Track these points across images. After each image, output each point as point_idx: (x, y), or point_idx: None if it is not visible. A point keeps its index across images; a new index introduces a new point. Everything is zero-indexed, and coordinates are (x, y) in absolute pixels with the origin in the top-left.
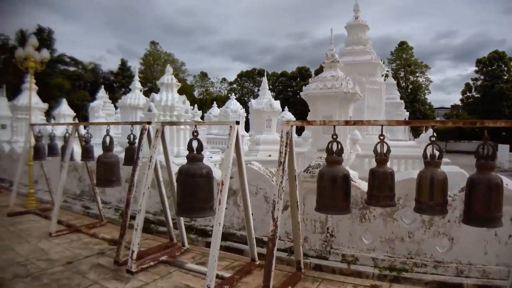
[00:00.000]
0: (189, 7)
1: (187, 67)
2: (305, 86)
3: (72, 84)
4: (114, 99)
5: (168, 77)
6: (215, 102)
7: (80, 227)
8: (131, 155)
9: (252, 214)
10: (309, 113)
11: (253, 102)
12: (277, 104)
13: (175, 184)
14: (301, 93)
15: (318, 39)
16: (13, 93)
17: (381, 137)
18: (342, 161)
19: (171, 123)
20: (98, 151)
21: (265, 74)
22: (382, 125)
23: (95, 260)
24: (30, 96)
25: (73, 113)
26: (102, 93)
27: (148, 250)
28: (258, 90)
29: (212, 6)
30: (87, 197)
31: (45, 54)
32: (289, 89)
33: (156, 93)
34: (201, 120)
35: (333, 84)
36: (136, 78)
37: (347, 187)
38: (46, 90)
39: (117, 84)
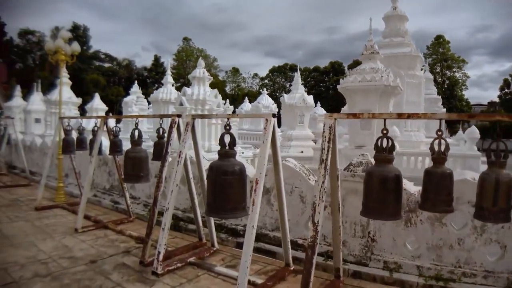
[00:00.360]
0: (221, 4)
1: (219, 63)
2: (342, 79)
3: (107, 80)
4: (147, 94)
5: (200, 71)
6: (246, 98)
7: (107, 223)
8: (160, 150)
9: None
10: (343, 108)
11: (285, 97)
12: (310, 99)
13: (206, 181)
14: (338, 87)
15: (350, 34)
16: (48, 88)
17: (439, 133)
18: (393, 159)
19: (202, 116)
20: (128, 146)
21: (298, 68)
22: (440, 119)
23: (120, 259)
24: (60, 90)
25: (105, 108)
26: (135, 88)
27: (175, 250)
28: (290, 85)
29: (244, 2)
30: (116, 192)
31: (75, 47)
32: (321, 84)
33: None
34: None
35: (373, 77)
36: (168, 72)
37: (399, 189)
38: (81, 85)
39: (151, 79)
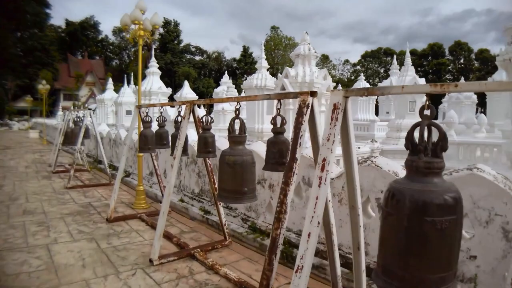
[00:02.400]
0: None
1: None
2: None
3: (198, 72)
4: (237, 85)
5: (305, 48)
6: (339, 85)
7: (194, 250)
8: (279, 153)
9: (475, 257)
10: None
11: (393, 81)
12: (423, 82)
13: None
14: (498, 59)
15: (445, 15)
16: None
17: None
18: None
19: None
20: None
21: (407, 47)
22: None
23: None
24: (139, 73)
25: (195, 97)
26: (225, 79)
27: None
28: (385, 70)
29: None
30: (207, 198)
31: (155, 19)
32: (419, 68)
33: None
34: None
35: None
36: (263, 56)
37: None
38: (173, 78)
39: (240, 70)
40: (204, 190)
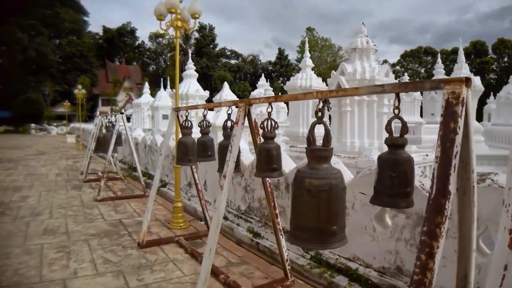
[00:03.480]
0: None
1: (343, 53)
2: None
3: (233, 76)
4: (274, 88)
5: (362, 40)
6: None
7: None
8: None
9: None
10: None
11: None
12: (477, 80)
13: None
14: None
15: (483, 12)
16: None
17: None
18: None
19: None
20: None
21: (460, 44)
22: None
23: None
24: (176, 71)
25: (236, 99)
26: (263, 81)
27: None
28: (425, 70)
29: None
30: (255, 217)
31: (195, 7)
32: None
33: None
34: None
35: None
36: (307, 54)
37: None
38: (209, 82)
39: (275, 73)
40: (252, 208)
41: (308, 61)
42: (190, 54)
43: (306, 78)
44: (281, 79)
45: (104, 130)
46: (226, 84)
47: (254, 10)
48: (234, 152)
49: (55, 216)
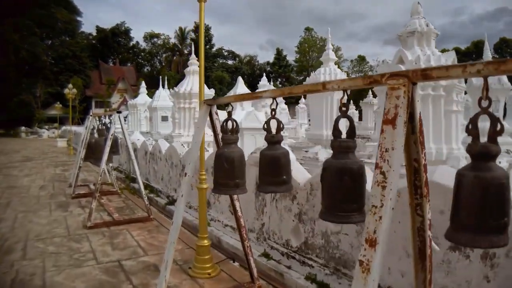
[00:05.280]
0: None
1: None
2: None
3: (230, 77)
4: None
5: (421, 22)
6: None
7: None
8: None
9: None
10: None
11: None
12: (504, 78)
13: None
14: None
15: (477, 14)
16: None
17: None
18: None
19: None
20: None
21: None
22: None
23: None
24: (200, 40)
25: None
26: (264, 81)
27: None
28: None
29: None
30: (320, 260)
31: None
32: None
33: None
34: None
35: None
36: (329, 46)
37: None
38: (207, 83)
39: (274, 74)
40: (312, 245)
41: (331, 54)
42: (193, 48)
43: (329, 72)
44: (279, 80)
45: (96, 134)
46: (240, 79)
47: (248, 12)
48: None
49: (30, 254)
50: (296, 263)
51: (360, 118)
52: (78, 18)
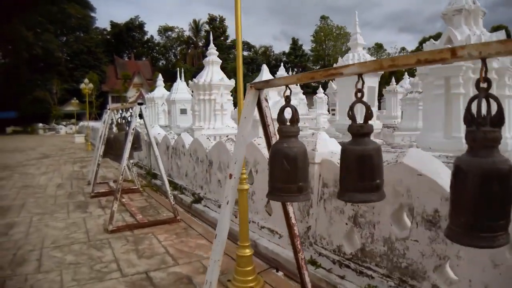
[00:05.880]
0: None
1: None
2: None
3: (246, 68)
4: None
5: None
6: (406, 74)
7: None
8: None
9: None
10: None
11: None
12: None
13: None
14: None
15: (492, 0)
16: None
17: None
18: None
19: None
20: None
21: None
22: None
23: None
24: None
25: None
26: (282, 71)
27: None
28: None
29: None
30: (381, 270)
31: None
32: None
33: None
34: None
35: None
36: (357, 30)
37: None
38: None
39: (289, 64)
40: (370, 252)
41: (359, 39)
42: (211, 39)
43: (358, 58)
44: (295, 70)
45: (114, 129)
46: (265, 67)
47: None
48: None
49: (46, 266)
50: (351, 272)
51: (379, 107)
52: (92, 14)
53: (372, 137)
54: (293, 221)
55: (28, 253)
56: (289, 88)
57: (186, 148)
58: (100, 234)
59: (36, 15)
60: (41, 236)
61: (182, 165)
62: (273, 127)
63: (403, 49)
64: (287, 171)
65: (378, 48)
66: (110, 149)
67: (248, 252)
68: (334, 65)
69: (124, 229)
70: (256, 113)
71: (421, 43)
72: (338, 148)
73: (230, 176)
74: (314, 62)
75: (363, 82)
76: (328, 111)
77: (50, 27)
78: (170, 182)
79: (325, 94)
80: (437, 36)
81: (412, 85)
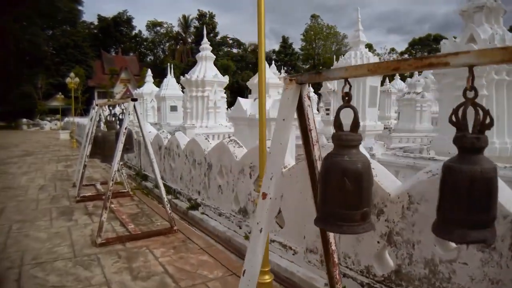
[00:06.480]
0: None
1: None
2: None
3: (236, 65)
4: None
5: None
6: (397, 74)
7: None
8: None
9: None
10: None
11: None
12: None
13: None
14: None
15: (483, 1)
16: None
17: None
18: None
19: None
20: None
21: None
22: None
23: None
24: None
25: (278, 82)
26: (273, 69)
27: None
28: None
29: None
30: None
31: None
32: None
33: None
34: None
35: None
36: (359, 27)
37: None
38: None
39: (279, 62)
40: (407, 274)
41: (361, 36)
42: (204, 33)
43: (361, 56)
44: (285, 68)
45: (103, 126)
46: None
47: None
48: None
49: None
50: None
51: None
52: (79, 7)
53: (372, 138)
54: (333, 247)
55: (5, 272)
56: (349, 83)
57: (182, 148)
58: (87, 248)
59: (24, 7)
60: (21, 249)
61: (176, 167)
62: (315, 132)
63: (392, 50)
64: (348, 192)
65: (368, 48)
66: (98, 149)
67: (267, 278)
68: (334, 65)
69: (114, 241)
70: (256, 111)
71: (411, 44)
72: None
73: (264, 196)
74: (303, 61)
75: (473, 77)
76: (318, 110)
77: (38, 20)
78: (163, 185)
79: (318, 94)
80: (426, 38)
81: (409, 86)
